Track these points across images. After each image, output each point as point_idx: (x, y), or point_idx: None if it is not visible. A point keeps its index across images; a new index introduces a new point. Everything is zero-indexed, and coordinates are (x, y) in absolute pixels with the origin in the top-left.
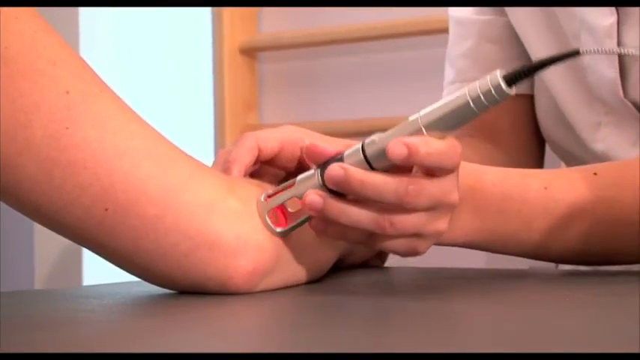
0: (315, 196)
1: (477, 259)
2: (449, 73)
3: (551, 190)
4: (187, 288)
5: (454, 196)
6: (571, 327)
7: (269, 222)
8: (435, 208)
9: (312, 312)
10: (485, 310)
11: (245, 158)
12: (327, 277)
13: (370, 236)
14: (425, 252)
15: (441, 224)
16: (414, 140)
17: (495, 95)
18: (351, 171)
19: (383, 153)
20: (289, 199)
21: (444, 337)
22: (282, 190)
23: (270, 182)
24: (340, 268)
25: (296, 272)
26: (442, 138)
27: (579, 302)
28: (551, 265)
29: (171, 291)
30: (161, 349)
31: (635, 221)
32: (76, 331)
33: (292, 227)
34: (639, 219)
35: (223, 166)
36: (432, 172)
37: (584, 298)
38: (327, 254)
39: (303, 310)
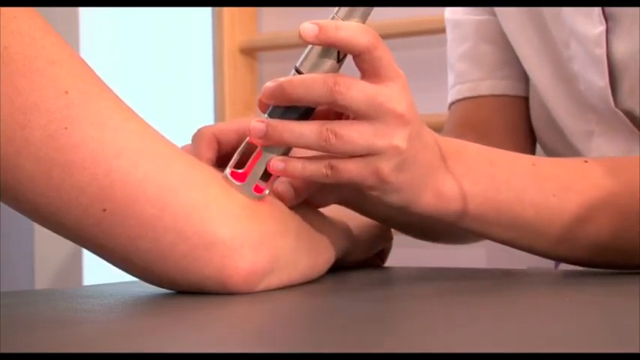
0: (257, 123)
1: (478, 259)
2: (450, 78)
3: (539, 167)
4: (186, 288)
5: (399, 105)
6: (571, 327)
7: (230, 178)
8: (377, 116)
9: (311, 312)
10: (486, 310)
11: (206, 153)
12: (327, 277)
13: (330, 168)
14: (393, 179)
15: (394, 138)
16: (324, 21)
17: None
18: (281, 79)
19: (307, 57)
20: (243, 146)
21: (444, 337)
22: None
23: None
24: (340, 268)
25: (295, 272)
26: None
27: (579, 302)
28: (551, 265)
29: (171, 291)
30: (161, 349)
31: (635, 213)
32: (76, 331)
33: (252, 178)
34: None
35: None
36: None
37: (584, 298)
38: (326, 254)
39: (302, 311)
